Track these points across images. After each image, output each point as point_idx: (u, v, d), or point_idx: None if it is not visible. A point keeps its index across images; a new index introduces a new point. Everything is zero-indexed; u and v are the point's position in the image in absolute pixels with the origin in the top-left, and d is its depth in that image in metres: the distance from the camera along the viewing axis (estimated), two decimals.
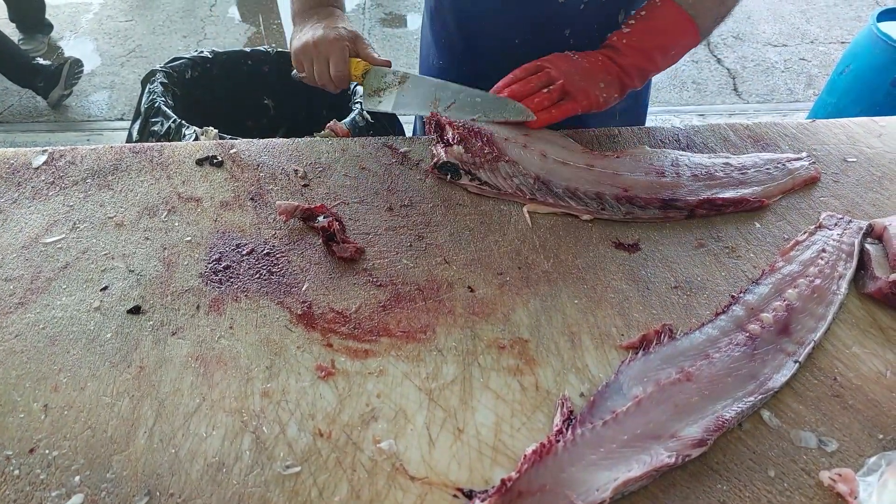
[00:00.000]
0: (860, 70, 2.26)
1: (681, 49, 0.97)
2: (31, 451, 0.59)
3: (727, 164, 0.93)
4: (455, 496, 0.56)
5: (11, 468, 0.57)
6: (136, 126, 1.66)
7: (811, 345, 0.68)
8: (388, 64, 1.02)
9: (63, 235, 0.81)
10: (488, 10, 1.04)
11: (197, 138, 1.42)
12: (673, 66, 1.00)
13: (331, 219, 0.80)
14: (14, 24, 3.43)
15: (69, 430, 0.60)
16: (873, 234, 0.82)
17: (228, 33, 3.76)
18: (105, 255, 0.78)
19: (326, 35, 0.98)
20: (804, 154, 0.96)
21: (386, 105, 1.01)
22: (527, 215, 0.86)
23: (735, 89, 3.30)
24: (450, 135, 0.92)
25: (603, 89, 0.94)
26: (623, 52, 0.94)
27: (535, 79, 0.94)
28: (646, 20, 0.94)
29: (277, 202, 0.83)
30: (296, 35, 1.04)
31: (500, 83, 0.97)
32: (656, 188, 0.88)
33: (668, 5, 0.93)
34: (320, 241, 0.80)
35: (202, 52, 1.88)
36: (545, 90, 0.93)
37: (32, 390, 0.64)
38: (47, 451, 0.59)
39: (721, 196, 0.87)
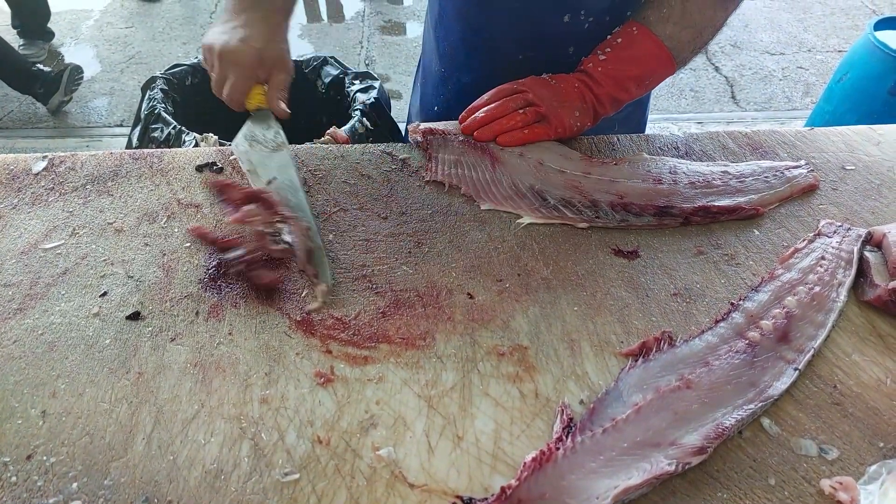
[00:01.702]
0: (857, 78, 2.27)
1: (656, 79, 0.97)
2: (29, 457, 0.58)
3: (725, 172, 0.93)
4: None
5: (9, 475, 0.57)
6: (136, 132, 1.67)
7: (811, 352, 0.68)
8: (284, 115, 0.92)
9: (62, 241, 0.81)
10: (494, 24, 1.03)
11: (197, 144, 1.42)
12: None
13: (243, 252, 0.74)
14: (15, 31, 3.44)
15: (67, 436, 0.60)
16: (872, 241, 0.82)
17: None
18: (104, 260, 0.78)
19: (238, 51, 0.86)
20: (803, 162, 0.96)
21: (245, 162, 0.91)
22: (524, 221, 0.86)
23: (733, 97, 3.32)
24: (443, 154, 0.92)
25: (577, 117, 0.94)
26: (599, 80, 0.93)
27: (512, 101, 0.93)
28: (622, 49, 0.93)
29: (189, 226, 0.76)
30: (217, 24, 0.90)
31: (476, 102, 0.96)
32: (652, 195, 0.88)
33: (645, 35, 0.92)
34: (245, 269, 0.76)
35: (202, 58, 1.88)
36: (521, 111, 0.93)
37: (30, 396, 0.63)
38: (45, 458, 0.58)
39: (716, 204, 0.87)
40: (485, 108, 0.94)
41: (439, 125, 0.97)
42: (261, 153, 0.92)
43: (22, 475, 0.57)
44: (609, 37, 0.96)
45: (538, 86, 0.94)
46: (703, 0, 0.92)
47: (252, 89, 0.91)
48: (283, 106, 0.93)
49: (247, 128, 0.94)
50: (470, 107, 0.96)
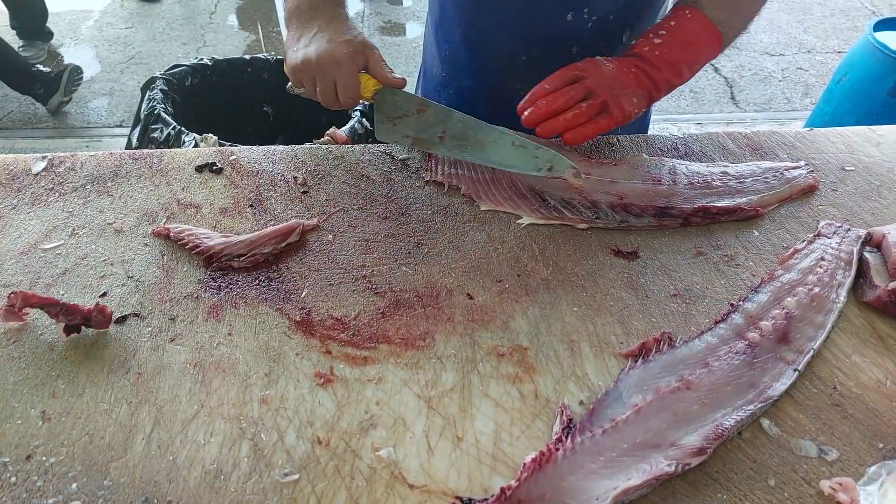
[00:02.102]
0: (857, 79, 2.27)
1: (703, 63, 0.95)
2: (28, 457, 0.58)
3: (725, 172, 0.93)
4: None
5: (8, 475, 0.57)
6: (136, 133, 1.67)
7: (810, 353, 0.68)
8: (402, 84, 0.90)
9: (62, 241, 0.81)
10: (496, 25, 1.01)
11: (196, 145, 1.42)
12: None
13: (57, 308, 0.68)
14: (14, 31, 3.44)
15: (66, 436, 0.60)
16: (872, 242, 0.82)
17: (228, 41, 3.78)
18: (104, 261, 0.78)
19: (333, 50, 0.85)
20: (802, 163, 0.96)
21: (403, 138, 0.92)
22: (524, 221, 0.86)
23: (732, 98, 3.32)
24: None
25: (635, 104, 0.90)
26: (656, 64, 0.90)
27: (573, 90, 0.87)
28: (676, 32, 0.91)
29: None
30: (292, 43, 0.90)
31: (536, 91, 0.89)
32: (651, 196, 0.88)
33: (699, 19, 0.91)
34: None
35: (202, 59, 1.89)
36: (583, 104, 0.87)
37: (30, 396, 0.63)
38: (44, 458, 0.58)
39: (716, 205, 0.87)
40: (546, 99, 0.87)
41: None
42: (413, 122, 0.90)
43: (21, 475, 0.57)
44: (660, 21, 0.94)
45: (597, 71, 0.89)
46: None
47: (360, 79, 0.89)
48: (395, 75, 0.90)
49: (378, 115, 0.92)
50: (529, 96, 0.89)
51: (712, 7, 0.91)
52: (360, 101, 0.91)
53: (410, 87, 0.98)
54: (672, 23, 0.92)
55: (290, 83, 0.93)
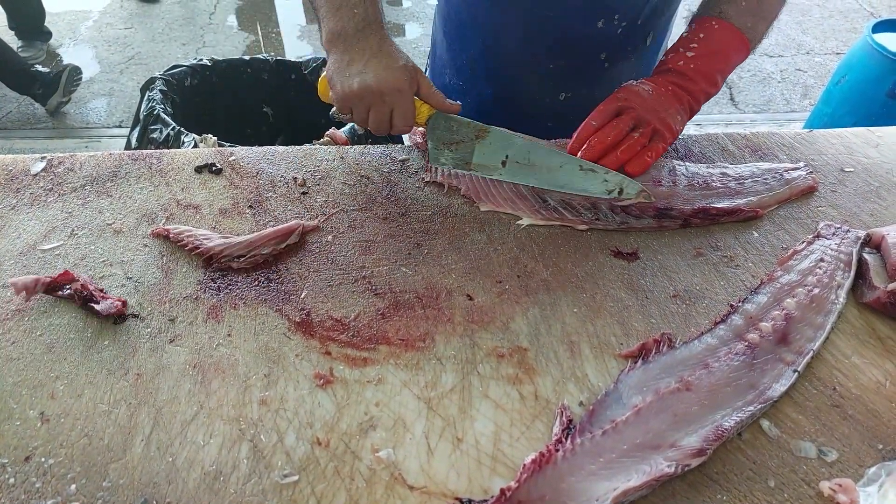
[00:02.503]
0: (856, 81, 2.27)
1: (733, 69, 0.96)
2: (27, 459, 0.58)
3: (724, 174, 0.93)
4: None
5: (7, 476, 0.57)
6: (135, 133, 1.66)
7: (810, 354, 0.68)
8: (457, 109, 0.88)
9: (61, 242, 0.81)
10: (521, 31, 0.98)
11: (196, 146, 1.42)
12: None
13: (78, 283, 0.72)
14: (13, 32, 3.43)
15: (65, 437, 0.60)
16: (871, 243, 0.83)
17: (227, 41, 3.78)
18: (103, 261, 0.78)
19: (393, 77, 0.81)
20: (801, 164, 0.96)
21: (462, 164, 0.89)
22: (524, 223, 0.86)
23: (732, 99, 3.32)
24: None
25: (680, 121, 0.91)
26: (692, 77, 0.91)
27: (621, 122, 0.88)
28: (707, 44, 0.91)
29: (10, 280, 0.72)
30: (339, 68, 0.83)
31: (583, 130, 0.89)
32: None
33: (727, 28, 0.91)
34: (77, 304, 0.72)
35: (202, 59, 1.89)
36: (635, 133, 0.88)
37: (29, 398, 0.63)
38: (43, 460, 0.58)
39: (715, 206, 0.87)
40: (597, 136, 0.88)
41: None
42: (471, 147, 0.89)
43: (20, 477, 0.57)
44: (686, 34, 0.94)
45: (638, 98, 0.90)
46: None
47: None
48: (451, 101, 0.89)
49: (433, 141, 0.90)
50: (577, 136, 0.90)
51: (738, 15, 0.92)
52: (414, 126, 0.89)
53: None
54: (701, 35, 0.92)
55: (333, 109, 0.89)
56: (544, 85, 0.94)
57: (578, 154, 0.89)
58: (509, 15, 0.99)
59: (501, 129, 0.88)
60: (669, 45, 0.97)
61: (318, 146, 1.01)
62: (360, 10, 0.83)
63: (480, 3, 1.01)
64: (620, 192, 0.86)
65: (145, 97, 1.71)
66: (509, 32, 1.00)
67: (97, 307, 0.70)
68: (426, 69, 1.25)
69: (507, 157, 0.88)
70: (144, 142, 1.61)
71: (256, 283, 0.76)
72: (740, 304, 0.74)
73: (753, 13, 0.92)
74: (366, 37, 0.83)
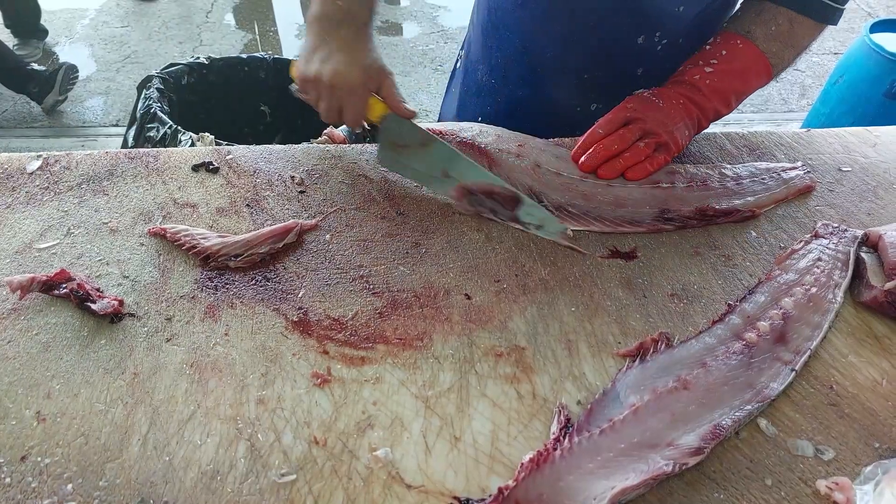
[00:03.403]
0: (853, 81, 2.28)
1: (751, 93, 0.94)
2: (23, 458, 0.58)
3: (722, 174, 0.93)
4: None
5: (2, 476, 0.56)
6: (132, 132, 1.66)
7: (807, 353, 0.68)
8: (412, 115, 0.88)
9: (57, 241, 0.80)
10: (561, 39, 0.98)
11: (193, 144, 1.41)
12: None
13: (74, 282, 0.71)
14: (9, 30, 3.42)
15: (62, 437, 0.60)
16: (868, 242, 0.83)
17: (224, 40, 3.77)
18: (100, 260, 0.78)
19: (348, 75, 0.82)
20: (799, 163, 0.96)
21: (404, 168, 0.90)
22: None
23: None
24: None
25: (687, 136, 0.91)
26: (706, 93, 0.90)
27: (628, 133, 0.88)
28: (728, 62, 0.90)
29: (6, 278, 0.72)
30: (308, 52, 0.85)
31: (588, 137, 0.90)
32: (649, 200, 0.88)
33: (751, 50, 0.89)
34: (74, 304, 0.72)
35: (198, 58, 1.88)
36: (640, 143, 0.88)
37: (25, 397, 0.63)
38: (39, 459, 0.58)
39: (713, 207, 0.87)
40: (602, 143, 0.89)
41: (436, 126, 0.96)
42: (414, 154, 0.88)
43: (16, 476, 0.57)
44: (708, 48, 0.92)
45: (648, 109, 0.90)
46: (809, 23, 0.90)
47: (370, 102, 0.88)
48: (407, 105, 0.88)
49: (382, 140, 0.90)
50: (582, 142, 0.90)
51: (765, 39, 0.89)
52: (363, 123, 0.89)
53: (406, 83, 0.95)
54: (724, 52, 0.90)
55: (293, 84, 0.90)
56: (577, 94, 0.93)
57: (580, 160, 0.89)
58: (550, 22, 0.98)
59: (447, 144, 0.88)
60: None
61: (315, 145, 1.00)
62: (344, 3, 0.83)
63: (521, 8, 1.00)
64: (539, 228, 0.84)
65: (142, 96, 1.70)
66: (548, 38, 0.99)
67: (93, 306, 0.70)
68: (458, 60, 1.23)
69: (445, 170, 0.86)
70: (141, 140, 1.61)
71: (254, 282, 0.76)
72: (738, 303, 0.74)
73: (782, 40, 0.90)
74: (344, 27, 0.84)
